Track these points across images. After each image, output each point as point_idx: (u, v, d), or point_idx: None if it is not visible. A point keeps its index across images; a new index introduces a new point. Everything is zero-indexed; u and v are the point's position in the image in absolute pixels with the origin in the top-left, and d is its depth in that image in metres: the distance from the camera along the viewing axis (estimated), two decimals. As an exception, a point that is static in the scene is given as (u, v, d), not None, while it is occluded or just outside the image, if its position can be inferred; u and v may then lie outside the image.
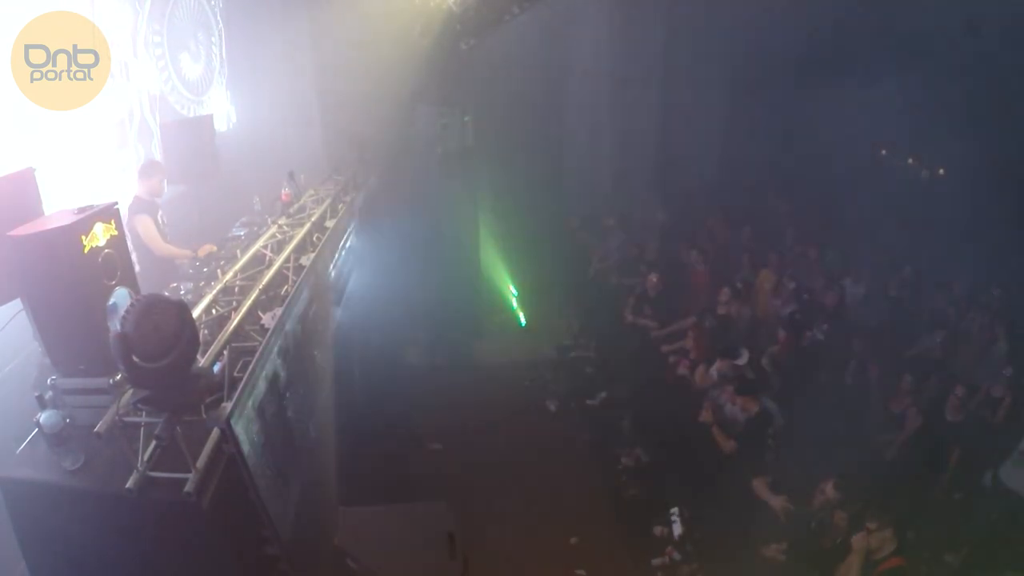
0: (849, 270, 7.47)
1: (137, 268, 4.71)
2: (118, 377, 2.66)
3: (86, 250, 2.70)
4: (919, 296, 7.08)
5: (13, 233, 2.60)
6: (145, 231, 4.79)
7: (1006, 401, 5.15)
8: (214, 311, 3.60)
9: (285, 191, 5.37)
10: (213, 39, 6.99)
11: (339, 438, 4.36)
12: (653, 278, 7.46)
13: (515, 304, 9.41)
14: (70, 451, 2.59)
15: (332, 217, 5.49)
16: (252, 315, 3.64)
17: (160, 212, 5.03)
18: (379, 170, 7.72)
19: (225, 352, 3.16)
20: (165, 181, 5.04)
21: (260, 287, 3.86)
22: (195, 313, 3.32)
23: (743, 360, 5.76)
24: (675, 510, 5.17)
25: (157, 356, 2.42)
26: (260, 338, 3.28)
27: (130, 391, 2.60)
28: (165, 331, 2.42)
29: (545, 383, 7.89)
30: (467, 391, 7.49)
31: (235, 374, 2.97)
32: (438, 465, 6.37)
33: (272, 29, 7.40)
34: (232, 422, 2.48)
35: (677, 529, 5.14)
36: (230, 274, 4.03)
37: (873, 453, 5.17)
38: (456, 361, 8.23)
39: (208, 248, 4.94)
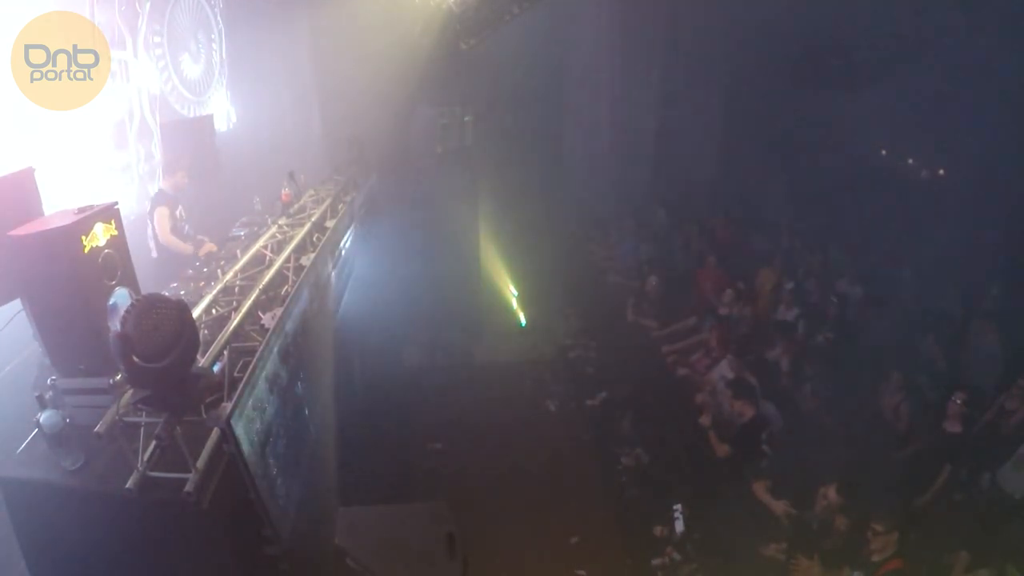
0: (845, 271, 7.46)
1: (154, 254, 4.96)
2: (118, 377, 2.65)
3: (86, 250, 2.69)
4: (921, 299, 7.05)
5: (13, 233, 2.60)
6: (159, 221, 5.04)
7: (1019, 414, 5.07)
8: (214, 311, 3.60)
9: (285, 191, 5.37)
10: (213, 39, 6.99)
11: (339, 438, 4.36)
12: (653, 279, 7.46)
13: (515, 304, 9.41)
14: (70, 451, 2.59)
15: (332, 217, 5.49)
16: (252, 315, 3.63)
17: (180, 207, 5.24)
18: (379, 170, 7.72)
19: (225, 352, 3.16)
20: (186, 177, 5.32)
21: (260, 287, 3.86)
22: (195, 313, 3.32)
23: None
24: (678, 506, 5.15)
25: (157, 356, 2.41)
26: (260, 338, 3.28)
27: (130, 391, 2.60)
28: (165, 331, 2.42)
29: (545, 383, 7.89)
30: (467, 391, 7.50)
31: (235, 374, 2.96)
32: (438, 465, 6.37)
33: (272, 29, 7.40)
34: (232, 422, 2.48)
35: (679, 526, 5.12)
36: (230, 274, 4.03)
37: (871, 456, 5.16)
38: (456, 361, 8.23)
39: (208, 248, 4.98)
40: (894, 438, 5.28)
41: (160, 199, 5.13)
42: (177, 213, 5.19)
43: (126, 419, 2.56)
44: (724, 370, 5.80)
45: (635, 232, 9.27)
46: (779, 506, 4.62)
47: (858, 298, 6.93)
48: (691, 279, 7.80)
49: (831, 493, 4.25)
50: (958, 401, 4.85)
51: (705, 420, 5.38)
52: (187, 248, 5.11)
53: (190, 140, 5.92)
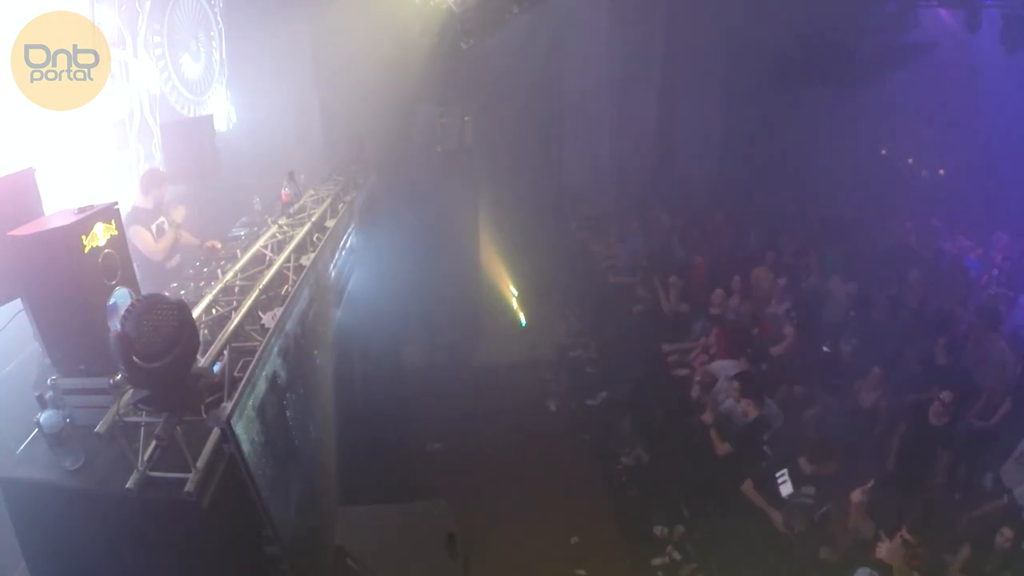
0: (838, 268, 7.46)
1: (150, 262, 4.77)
2: (118, 377, 2.65)
3: (86, 250, 2.70)
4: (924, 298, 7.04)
5: (13, 233, 2.60)
6: (141, 241, 4.75)
7: (1005, 406, 5.11)
8: (214, 311, 3.60)
9: (285, 191, 5.36)
10: (213, 39, 6.99)
11: (339, 438, 4.35)
12: (674, 279, 7.45)
13: (515, 304, 9.41)
14: (70, 451, 2.59)
15: (332, 217, 5.49)
16: (252, 315, 3.63)
17: (160, 219, 4.99)
18: (379, 170, 7.72)
19: (225, 352, 3.15)
20: (165, 188, 5.06)
21: (260, 287, 3.86)
22: (195, 313, 3.32)
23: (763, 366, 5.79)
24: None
25: (157, 356, 2.41)
26: (260, 338, 3.28)
27: (130, 391, 2.60)
28: (165, 331, 2.42)
29: (545, 383, 7.89)
30: (467, 391, 7.49)
31: (235, 374, 2.96)
32: (438, 465, 6.37)
33: (272, 29, 7.39)
34: (232, 422, 2.47)
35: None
36: (230, 274, 4.02)
37: (870, 455, 5.16)
38: (456, 361, 8.23)
39: (213, 242, 4.93)
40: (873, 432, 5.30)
41: (134, 217, 4.78)
42: (154, 228, 4.90)
43: (126, 419, 2.56)
44: (729, 368, 5.79)
45: (635, 231, 9.28)
46: (777, 516, 4.57)
47: (852, 295, 6.93)
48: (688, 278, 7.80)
49: (803, 464, 4.33)
50: (945, 400, 4.89)
51: (707, 418, 5.37)
52: (191, 240, 5.06)
53: (190, 140, 5.91)
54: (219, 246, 4.92)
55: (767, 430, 5.10)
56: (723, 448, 5.14)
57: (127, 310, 2.40)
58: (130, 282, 2.98)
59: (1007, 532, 3.90)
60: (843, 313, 6.74)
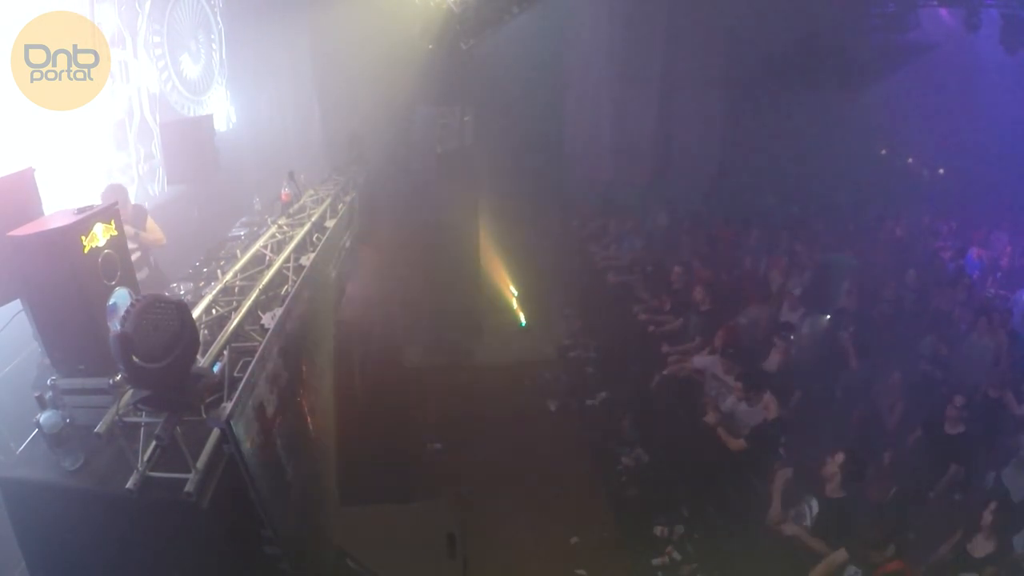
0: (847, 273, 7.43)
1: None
2: (118, 377, 2.65)
3: (86, 250, 2.69)
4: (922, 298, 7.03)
5: (13, 233, 2.60)
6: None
7: (1009, 401, 5.11)
8: (214, 311, 3.60)
9: (285, 191, 5.37)
10: (213, 39, 6.99)
11: (339, 438, 4.35)
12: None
13: (515, 304, 9.41)
14: (70, 451, 2.59)
15: (332, 217, 5.49)
16: (252, 315, 3.63)
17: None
18: (379, 170, 7.72)
19: (225, 352, 3.15)
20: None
21: (260, 287, 3.85)
22: (195, 313, 3.32)
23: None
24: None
25: (157, 356, 2.41)
26: (260, 338, 3.28)
27: (130, 391, 2.60)
28: (165, 331, 2.42)
29: (545, 383, 7.89)
30: (467, 391, 7.49)
31: (235, 374, 2.96)
32: (438, 465, 6.37)
33: (272, 29, 7.40)
34: (232, 422, 2.47)
35: None
36: (230, 274, 4.02)
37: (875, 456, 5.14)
38: (456, 361, 8.23)
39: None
40: (885, 437, 5.28)
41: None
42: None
43: (126, 419, 2.55)
44: (712, 365, 5.77)
45: (634, 231, 9.28)
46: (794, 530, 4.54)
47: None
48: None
49: (839, 457, 4.25)
50: (957, 405, 4.86)
51: (710, 418, 5.36)
52: (157, 238, 4.80)
53: (190, 140, 5.92)
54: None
55: (784, 430, 5.05)
56: (737, 444, 5.06)
57: (127, 309, 2.39)
58: (130, 282, 2.98)
59: (992, 505, 3.92)
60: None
